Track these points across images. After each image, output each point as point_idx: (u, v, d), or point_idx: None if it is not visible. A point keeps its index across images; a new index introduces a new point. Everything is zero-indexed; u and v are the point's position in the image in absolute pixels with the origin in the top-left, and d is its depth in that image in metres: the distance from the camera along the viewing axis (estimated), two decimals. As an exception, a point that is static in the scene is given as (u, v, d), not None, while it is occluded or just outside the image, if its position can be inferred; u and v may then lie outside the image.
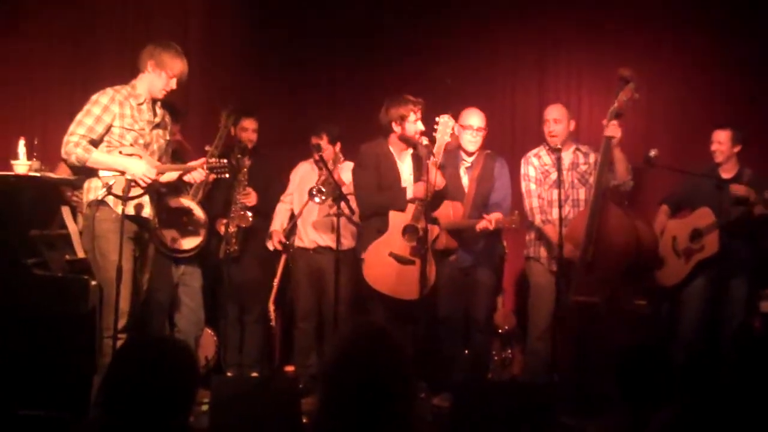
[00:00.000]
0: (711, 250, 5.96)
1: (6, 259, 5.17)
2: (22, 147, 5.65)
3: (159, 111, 5.15)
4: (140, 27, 7.28)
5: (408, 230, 5.57)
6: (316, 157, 6.05)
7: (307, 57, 7.76)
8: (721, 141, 6.11)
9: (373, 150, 5.82)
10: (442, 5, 7.64)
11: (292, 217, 6.47)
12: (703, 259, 6.00)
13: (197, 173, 5.20)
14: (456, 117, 6.02)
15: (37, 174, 5.40)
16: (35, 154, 5.69)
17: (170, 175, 5.14)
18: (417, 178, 5.72)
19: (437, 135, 5.55)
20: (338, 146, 6.41)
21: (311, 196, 6.08)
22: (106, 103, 4.90)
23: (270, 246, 6.50)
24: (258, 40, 7.75)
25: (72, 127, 4.87)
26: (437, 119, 5.61)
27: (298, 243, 6.46)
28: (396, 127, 5.74)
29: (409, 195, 5.63)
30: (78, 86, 7.27)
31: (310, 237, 6.40)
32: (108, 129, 4.90)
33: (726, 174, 6.11)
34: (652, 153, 6.01)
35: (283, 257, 6.60)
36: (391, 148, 5.80)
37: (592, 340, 5.73)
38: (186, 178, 5.23)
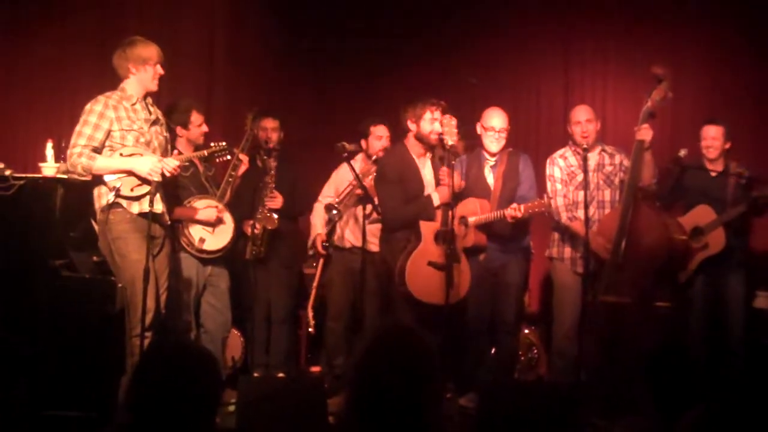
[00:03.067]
0: (717, 247, 5.92)
1: (34, 261, 5.22)
2: (49, 149, 5.70)
3: (152, 108, 5.20)
4: (167, 31, 7.30)
5: (440, 236, 5.56)
6: (347, 161, 6.03)
7: (333, 60, 7.80)
8: (714, 137, 6.07)
9: (394, 160, 5.82)
10: (468, 6, 7.64)
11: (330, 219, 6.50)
12: (708, 256, 5.95)
13: (171, 162, 5.10)
14: (479, 118, 6.02)
15: (65, 176, 5.44)
16: (63, 156, 5.73)
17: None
18: (437, 180, 5.72)
19: (445, 136, 5.53)
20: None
21: (328, 211, 6.12)
22: (100, 110, 4.96)
23: (311, 251, 6.53)
24: (284, 44, 7.80)
25: (73, 140, 4.94)
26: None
27: (336, 240, 6.49)
28: (411, 125, 5.75)
29: (436, 202, 5.62)
30: (106, 89, 7.31)
31: (345, 236, 6.42)
32: (108, 134, 4.95)
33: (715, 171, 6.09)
34: (682, 153, 6.01)
35: (321, 261, 6.62)
36: (412, 153, 5.80)
37: (620, 340, 5.70)
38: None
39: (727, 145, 6.08)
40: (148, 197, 4.88)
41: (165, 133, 5.29)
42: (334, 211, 6.23)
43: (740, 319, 6.01)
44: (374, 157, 6.26)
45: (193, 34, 7.41)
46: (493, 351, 6.24)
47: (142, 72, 5.09)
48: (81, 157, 4.87)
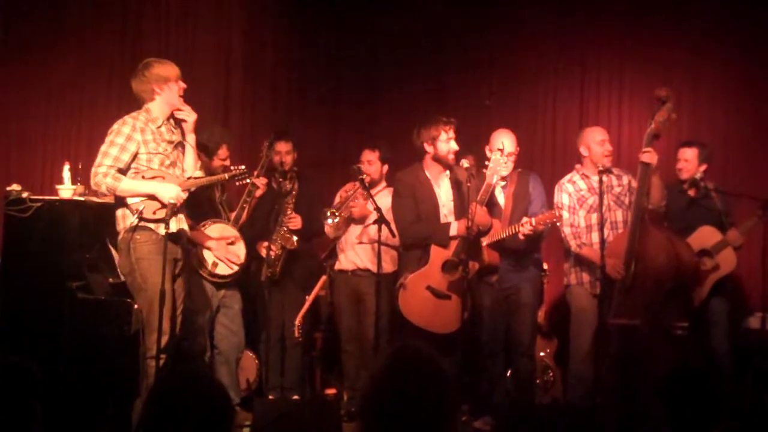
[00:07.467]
0: (728, 268, 5.93)
1: (51, 283, 5.25)
2: (66, 172, 5.74)
3: (176, 129, 5.18)
4: (183, 54, 7.36)
5: (447, 265, 5.54)
6: (358, 182, 6.01)
7: (346, 82, 7.83)
8: (688, 159, 6.13)
9: (409, 179, 5.77)
10: (482, 26, 7.67)
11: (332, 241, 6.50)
12: (721, 277, 5.94)
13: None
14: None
15: (82, 198, 5.47)
16: (79, 178, 5.78)
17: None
18: (457, 202, 5.69)
19: (487, 172, 5.49)
20: (386, 168, 6.43)
21: (324, 217, 5.99)
22: (128, 132, 4.95)
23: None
24: (300, 64, 7.83)
25: (98, 159, 4.92)
26: (490, 155, 5.56)
27: (337, 266, 6.47)
28: (428, 148, 5.69)
29: (453, 232, 5.56)
30: (123, 113, 7.34)
31: (349, 258, 6.38)
32: (134, 157, 4.95)
33: (692, 191, 6.13)
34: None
35: (323, 277, 6.61)
36: (427, 173, 5.75)
37: (634, 362, 5.67)
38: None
39: (702, 167, 6.13)
40: (171, 219, 4.88)
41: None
42: (331, 220, 5.96)
43: (726, 337, 6.00)
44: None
45: (210, 54, 7.46)
46: (509, 373, 6.21)
47: (166, 91, 5.08)
48: (106, 177, 4.86)
